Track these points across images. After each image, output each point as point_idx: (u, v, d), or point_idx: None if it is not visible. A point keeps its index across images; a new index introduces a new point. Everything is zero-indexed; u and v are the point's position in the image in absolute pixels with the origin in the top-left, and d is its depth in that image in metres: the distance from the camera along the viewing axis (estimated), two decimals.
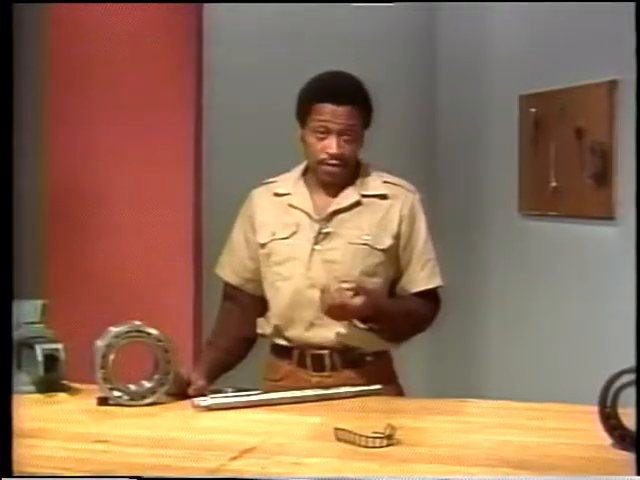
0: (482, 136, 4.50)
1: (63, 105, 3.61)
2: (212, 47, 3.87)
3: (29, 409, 2.18)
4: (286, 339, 2.58)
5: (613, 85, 3.46)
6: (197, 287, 3.68)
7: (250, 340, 2.66)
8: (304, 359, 2.56)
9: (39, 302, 2.61)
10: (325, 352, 2.53)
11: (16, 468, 1.76)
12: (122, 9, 3.52)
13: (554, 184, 3.87)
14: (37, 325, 2.58)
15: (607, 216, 3.50)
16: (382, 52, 4.62)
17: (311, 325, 2.53)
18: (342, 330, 2.51)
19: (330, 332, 2.52)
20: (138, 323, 2.43)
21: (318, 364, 2.54)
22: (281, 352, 2.60)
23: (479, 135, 4.53)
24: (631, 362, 1.87)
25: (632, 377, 1.89)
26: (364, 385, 2.51)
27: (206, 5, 3.79)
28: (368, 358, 2.56)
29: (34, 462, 1.86)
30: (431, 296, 2.61)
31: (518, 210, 4.19)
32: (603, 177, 3.53)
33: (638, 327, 1.83)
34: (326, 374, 2.54)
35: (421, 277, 2.58)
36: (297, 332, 2.55)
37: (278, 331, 2.58)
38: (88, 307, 3.43)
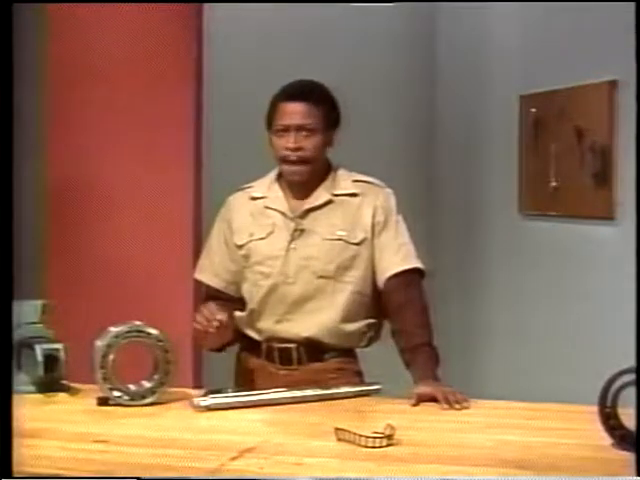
0: (482, 136, 4.50)
1: (63, 105, 3.61)
2: (212, 47, 3.87)
3: (29, 409, 2.18)
4: (257, 331, 2.65)
5: (613, 85, 3.46)
6: (197, 287, 3.68)
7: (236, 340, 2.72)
8: (272, 353, 2.64)
9: (39, 302, 2.62)
10: (292, 346, 2.61)
11: (16, 468, 1.76)
12: (122, 9, 3.52)
13: (554, 184, 3.87)
14: (37, 325, 2.59)
15: (607, 216, 3.50)
16: (382, 52, 4.62)
17: (281, 319, 2.62)
18: (310, 326, 2.60)
19: (298, 327, 2.61)
20: (138, 323, 2.43)
21: (285, 358, 2.62)
22: (250, 347, 2.69)
23: (479, 135, 4.53)
24: (631, 362, 1.87)
25: (632, 377, 1.89)
26: (330, 379, 2.59)
27: (206, 5, 3.79)
28: (333, 353, 2.64)
29: (34, 462, 1.86)
30: (413, 282, 2.63)
31: (518, 210, 4.19)
32: (603, 177, 3.53)
33: (638, 327, 1.83)
34: (293, 367, 2.62)
35: (396, 260, 2.63)
36: (267, 324, 2.63)
37: (250, 322, 2.66)
38: (88, 307, 3.43)
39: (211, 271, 2.74)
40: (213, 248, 2.75)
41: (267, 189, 2.68)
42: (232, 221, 2.70)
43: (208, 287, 2.75)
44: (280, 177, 2.69)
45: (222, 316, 2.48)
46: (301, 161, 2.59)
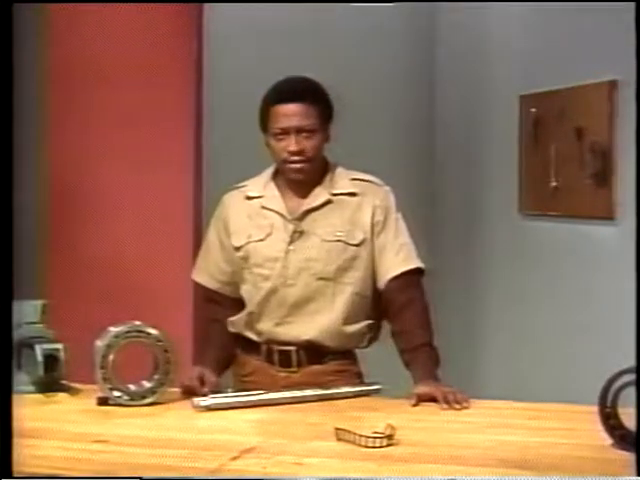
0: (482, 136, 4.50)
1: (63, 105, 3.61)
2: (212, 47, 3.87)
3: (29, 409, 2.18)
4: (256, 332, 2.63)
5: (613, 85, 3.45)
6: (197, 287, 3.68)
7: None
8: (272, 355, 2.62)
9: (39, 302, 2.62)
10: (292, 348, 2.60)
11: (16, 468, 1.76)
12: (122, 9, 3.52)
13: (554, 184, 3.87)
14: (37, 325, 2.59)
15: (607, 216, 3.50)
16: (382, 52, 4.62)
17: (281, 321, 2.60)
18: (310, 329, 2.58)
19: (298, 330, 2.59)
20: (138, 323, 2.43)
21: (285, 360, 2.60)
22: (249, 347, 2.66)
23: (479, 135, 4.52)
24: (631, 362, 1.87)
25: (632, 377, 1.89)
26: (329, 381, 2.57)
27: (206, 5, 3.79)
28: (333, 355, 2.62)
29: (34, 462, 1.86)
30: (414, 282, 2.62)
31: (518, 210, 4.18)
32: (603, 177, 3.53)
33: (638, 327, 1.83)
34: (293, 369, 2.60)
35: (397, 261, 2.61)
36: (267, 326, 2.61)
37: (249, 323, 2.64)
38: (88, 307, 3.43)
39: (207, 272, 2.73)
40: (209, 249, 2.74)
41: (263, 188, 2.66)
42: (228, 221, 2.67)
43: (205, 289, 2.74)
44: (276, 176, 2.67)
45: (210, 383, 2.50)
46: (303, 161, 2.57)
